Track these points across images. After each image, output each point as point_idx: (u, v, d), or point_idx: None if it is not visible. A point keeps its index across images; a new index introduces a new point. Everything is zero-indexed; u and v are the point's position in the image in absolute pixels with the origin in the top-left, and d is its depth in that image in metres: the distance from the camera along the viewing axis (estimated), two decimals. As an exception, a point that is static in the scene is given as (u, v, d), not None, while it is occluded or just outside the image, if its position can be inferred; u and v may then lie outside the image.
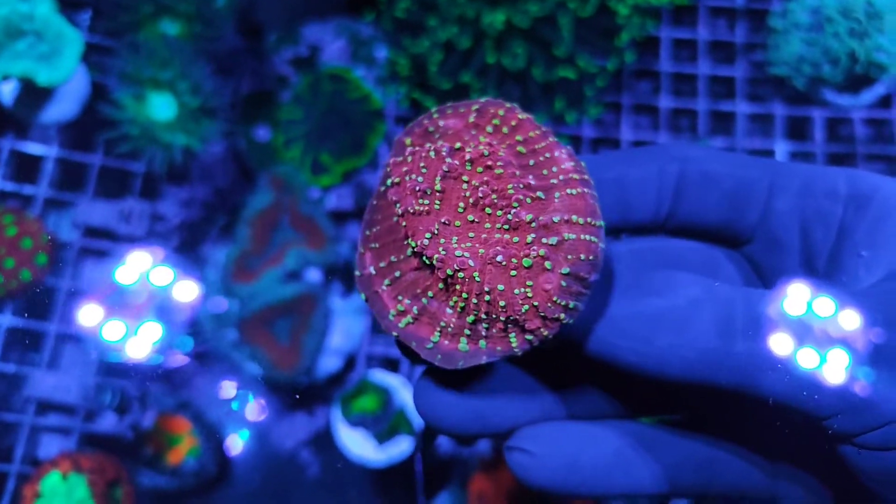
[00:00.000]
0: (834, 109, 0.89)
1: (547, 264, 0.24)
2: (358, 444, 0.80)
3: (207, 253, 0.88)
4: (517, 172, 0.25)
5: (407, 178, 0.26)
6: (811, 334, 0.24)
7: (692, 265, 0.32)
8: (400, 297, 0.26)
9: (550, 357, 0.30)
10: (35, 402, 0.78)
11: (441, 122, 0.27)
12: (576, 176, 0.25)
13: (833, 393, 0.24)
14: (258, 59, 0.92)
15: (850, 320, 0.25)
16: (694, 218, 0.31)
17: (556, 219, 0.24)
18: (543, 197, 0.25)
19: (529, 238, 0.24)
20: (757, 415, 0.28)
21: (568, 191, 0.25)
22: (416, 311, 0.26)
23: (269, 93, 0.92)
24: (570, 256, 0.24)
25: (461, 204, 0.25)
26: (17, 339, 0.82)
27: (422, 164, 0.26)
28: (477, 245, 0.25)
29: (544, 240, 0.24)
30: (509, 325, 0.24)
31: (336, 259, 0.85)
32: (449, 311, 0.25)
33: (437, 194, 0.25)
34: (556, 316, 0.24)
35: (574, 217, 0.24)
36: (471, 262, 0.24)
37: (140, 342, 0.78)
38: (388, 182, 0.27)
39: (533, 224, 0.24)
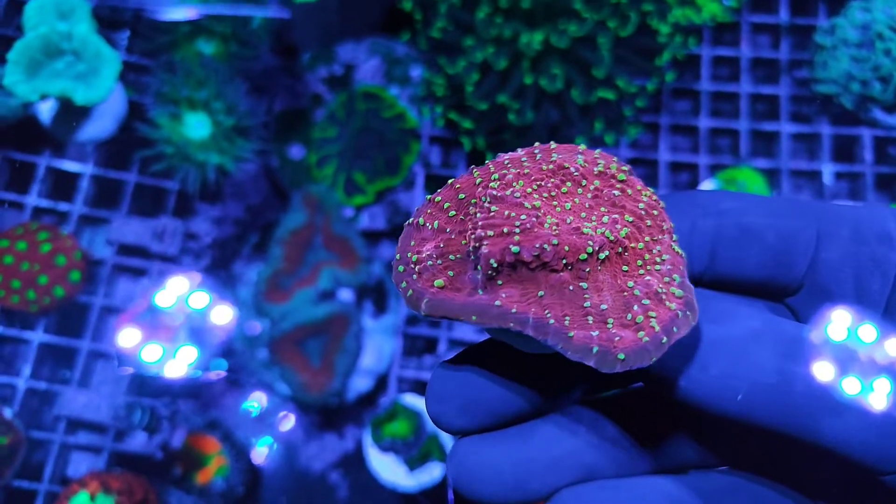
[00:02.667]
0: (884, 129, 0.86)
1: (624, 167, 0.26)
2: (389, 470, 0.78)
3: (239, 271, 0.87)
4: (530, 161, 0.27)
5: (515, 232, 0.24)
6: (874, 371, 0.23)
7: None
8: (629, 318, 0.23)
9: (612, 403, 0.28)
10: (65, 420, 0.78)
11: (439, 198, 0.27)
12: (537, 144, 0.28)
13: None
14: (293, 78, 0.92)
15: None
16: (733, 275, 0.29)
17: (581, 153, 0.27)
18: (556, 156, 0.27)
19: (596, 169, 0.26)
20: (799, 451, 0.26)
21: (552, 146, 0.28)
22: (647, 304, 0.23)
23: (303, 111, 0.92)
24: (639, 187, 0.27)
25: (554, 203, 0.26)
26: (48, 356, 0.82)
27: (506, 213, 0.24)
28: (593, 212, 0.25)
29: (601, 162, 0.26)
30: (665, 236, 0.25)
31: (368, 279, 0.84)
32: (649, 278, 0.24)
33: (537, 212, 0.25)
34: (661, 204, 0.27)
35: (595, 153, 0.27)
36: (614, 215, 0.25)
37: (177, 364, 0.78)
38: (515, 249, 0.24)
39: (587, 165, 0.26)
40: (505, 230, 0.24)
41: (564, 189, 0.26)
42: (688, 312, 0.23)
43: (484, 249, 0.24)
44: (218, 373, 0.83)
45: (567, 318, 0.24)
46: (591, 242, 0.24)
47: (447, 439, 0.78)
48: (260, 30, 0.81)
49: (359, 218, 0.89)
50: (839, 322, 0.26)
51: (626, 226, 0.25)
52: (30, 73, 0.70)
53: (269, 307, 0.81)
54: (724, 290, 0.30)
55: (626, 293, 0.24)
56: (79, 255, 0.79)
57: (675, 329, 0.23)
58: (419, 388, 0.85)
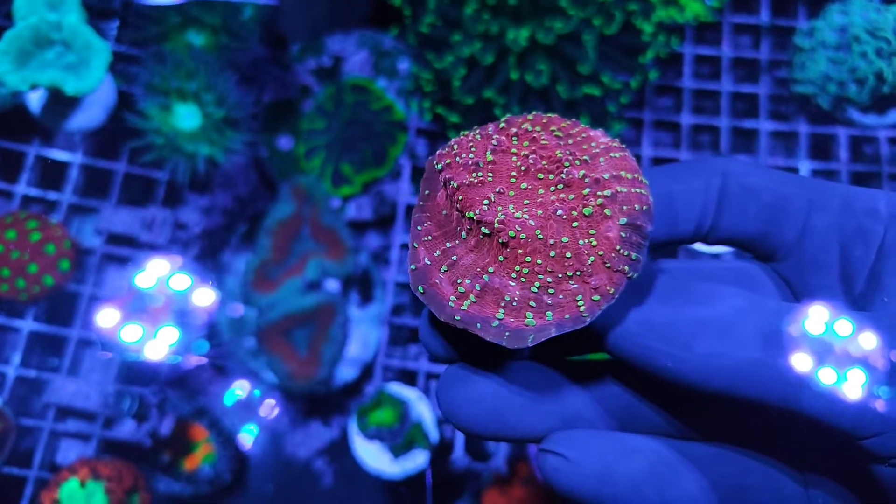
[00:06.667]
0: (859, 128, 0.88)
1: (607, 211, 0.25)
2: (374, 457, 0.80)
3: (228, 261, 0.88)
4: (561, 143, 0.27)
5: (457, 158, 0.26)
6: (848, 363, 0.24)
7: (727, 284, 0.31)
8: (459, 281, 0.25)
9: (587, 368, 0.30)
10: (55, 408, 0.79)
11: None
12: (614, 144, 0.27)
13: (876, 413, 0.23)
14: (282, 69, 0.92)
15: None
16: (733, 230, 0.31)
17: (606, 175, 0.25)
18: (589, 160, 0.26)
19: (585, 191, 0.25)
20: (786, 424, 0.28)
21: (611, 154, 0.26)
22: (478, 289, 0.25)
23: (291, 102, 0.92)
24: (625, 207, 0.25)
25: (513, 174, 0.26)
26: (38, 345, 0.82)
27: (471, 145, 0.26)
28: (535, 209, 0.25)
29: (599, 192, 0.25)
30: (576, 285, 0.24)
31: (355, 269, 0.85)
32: (512, 283, 0.25)
33: (489, 166, 0.26)
34: (621, 268, 0.24)
35: (623, 173, 0.26)
36: (531, 222, 0.24)
37: (157, 345, 0.79)
38: (438, 166, 0.27)
39: (586, 180, 0.25)
40: (454, 152, 0.27)
41: (551, 176, 0.26)
42: (507, 333, 0.24)
43: (421, 184, 0.28)
44: (199, 357, 0.84)
45: (428, 237, 0.27)
46: (476, 213, 0.25)
47: (431, 427, 0.80)
48: (250, 21, 0.81)
49: (346, 208, 0.90)
50: (817, 316, 0.27)
51: (526, 232, 0.24)
52: (19, 63, 0.70)
53: (256, 297, 0.82)
54: (729, 243, 0.32)
55: (479, 271, 0.26)
56: (68, 244, 0.79)
57: (477, 325, 0.25)
58: (404, 376, 0.87)
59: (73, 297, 0.82)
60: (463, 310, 0.25)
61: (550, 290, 0.24)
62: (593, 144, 0.27)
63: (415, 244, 0.27)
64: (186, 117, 0.78)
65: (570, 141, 0.27)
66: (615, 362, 0.28)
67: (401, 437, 0.79)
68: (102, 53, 0.72)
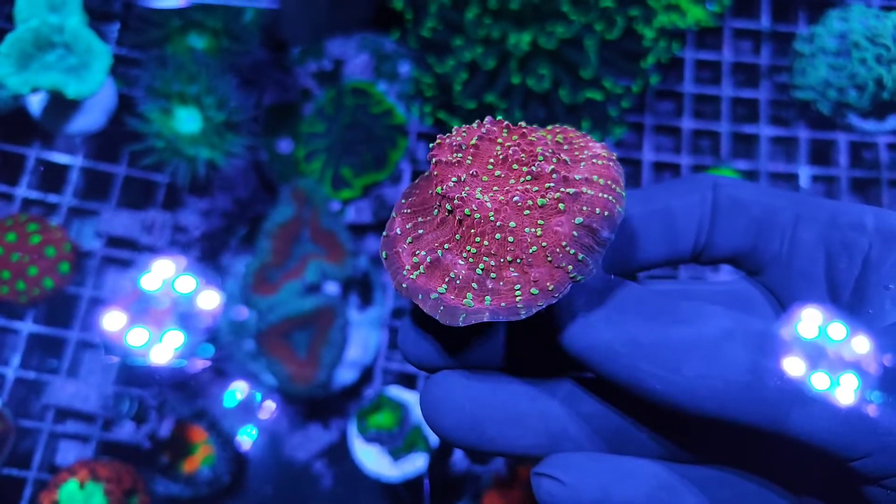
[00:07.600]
0: (859, 134, 0.88)
1: (561, 206, 0.24)
2: (373, 460, 0.80)
3: (227, 263, 0.88)
4: (550, 144, 0.27)
5: (447, 139, 0.27)
6: (841, 367, 0.24)
7: (721, 305, 0.31)
8: (417, 252, 0.26)
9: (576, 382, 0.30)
10: (54, 409, 0.79)
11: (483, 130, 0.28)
12: (604, 153, 0.27)
13: (865, 434, 0.23)
14: (282, 72, 0.92)
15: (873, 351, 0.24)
16: (726, 246, 0.31)
17: (577, 176, 0.25)
18: (569, 162, 0.26)
19: (548, 185, 0.25)
20: (780, 448, 0.28)
21: (594, 161, 0.26)
22: (428, 261, 0.26)
23: (292, 105, 0.92)
24: (585, 208, 0.24)
25: (491, 161, 0.26)
26: (37, 347, 0.82)
27: (463, 130, 0.27)
28: (499, 196, 0.25)
29: (562, 188, 0.25)
30: (516, 273, 0.24)
31: (354, 272, 0.85)
32: (461, 262, 0.25)
33: (472, 150, 0.26)
34: (563, 265, 0.24)
35: (595, 177, 0.25)
36: (489, 204, 0.25)
37: (163, 348, 0.79)
38: (431, 145, 0.28)
39: (554, 175, 0.25)
40: (447, 135, 0.27)
41: (524, 168, 0.26)
42: (442, 307, 0.25)
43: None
44: (204, 361, 0.84)
45: (408, 210, 0.28)
46: (443, 187, 0.26)
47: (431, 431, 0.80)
48: (251, 24, 0.81)
49: (346, 212, 0.90)
50: (810, 319, 0.27)
51: (481, 213, 0.25)
52: (21, 66, 0.70)
53: (256, 299, 0.82)
54: (721, 261, 0.32)
55: (436, 246, 0.26)
56: (68, 247, 0.79)
57: (419, 296, 0.26)
58: (404, 380, 0.87)
59: (73, 300, 0.82)
60: (411, 279, 0.26)
61: (493, 275, 0.25)
62: (586, 153, 0.27)
63: (394, 213, 0.28)
64: (187, 121, 0.78)
65: (566, 147, 0.27)
66: (602, 382, 0.28)
67: (400, 441, 0.79)
68: (103, 56, 0.72)
